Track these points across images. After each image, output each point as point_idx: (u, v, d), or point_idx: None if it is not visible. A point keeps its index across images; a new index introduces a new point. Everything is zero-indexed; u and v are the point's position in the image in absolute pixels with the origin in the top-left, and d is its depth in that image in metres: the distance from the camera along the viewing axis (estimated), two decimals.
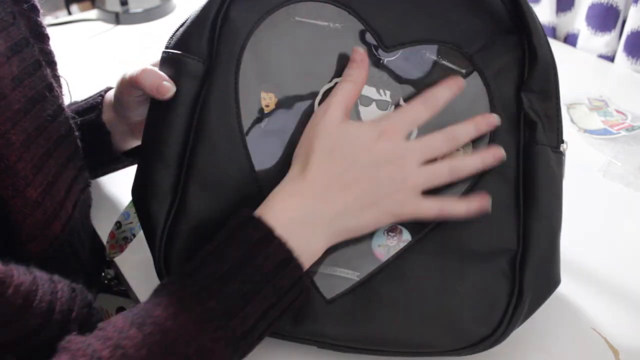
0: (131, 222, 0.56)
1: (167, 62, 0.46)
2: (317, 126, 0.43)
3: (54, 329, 0.39)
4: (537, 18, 0.45)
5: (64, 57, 0.55)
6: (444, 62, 0.46)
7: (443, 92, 0.45)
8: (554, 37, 0.99)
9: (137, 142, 0.61)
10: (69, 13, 1.28)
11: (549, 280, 0.45)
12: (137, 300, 0.55)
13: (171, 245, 0.44)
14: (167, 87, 0.45)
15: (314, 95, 0.46)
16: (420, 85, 0.46)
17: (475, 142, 0.46)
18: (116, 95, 0.55)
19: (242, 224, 0.40)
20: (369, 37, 0.46)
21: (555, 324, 0.50)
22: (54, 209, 0.46)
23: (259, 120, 0.45)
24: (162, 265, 0.45)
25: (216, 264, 0.39)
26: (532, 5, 0.48)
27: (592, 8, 0.90)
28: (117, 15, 1.09)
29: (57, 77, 0.52)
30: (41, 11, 0.50)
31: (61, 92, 0.52)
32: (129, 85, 0.51)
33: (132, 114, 0.55)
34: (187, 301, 0.37)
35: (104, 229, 0.60)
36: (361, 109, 0.46)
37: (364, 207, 0.42)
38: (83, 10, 1.31)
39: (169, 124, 0.45)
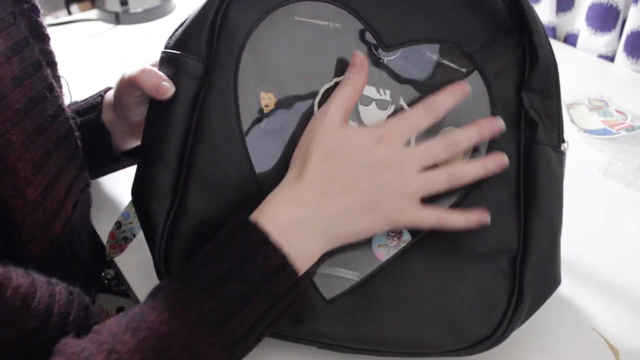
0: (131, 222, 0.56)
1: (166, 62, 0.46)
2: (315, 130, 0.43)
3: (52, 331, 0.39)
4: (537, 17, 0.45)
5: (64, 57, 0.55)
6: (444, 61, 0.46)
7: (446, 99, 0.44)
8: (554, 37, 0.99)
9: (137, 142, 0.61)
10: (69, 13, 1.28)
11: (550, 281, 0.45)
12: (137, 300, 0.55)
13: (171, 245, 0.44)
14: (167, 88, 0.45)
15: (313, 95, 0.46)
16: (421, 85, 0.46)
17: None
18: (116, 95, 0.55)
19: (237, 229, 0.40)
20: (368, 36, 0.46)
21: (555, 324, 0.50)
22: (54, 209, 0.46)
23: (258, 120, 0.45)
24: (162, 265, 0.45)
25: (211, 269, 0.39)
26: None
27: (592, 8, 0.90)
28: (117, 15, 1.09)
29: (57, 77, 0.52)
30: (41, 11, 0.50)
31: (61, 92, 0.52)
32: (128, 86, 0.51)
33: (131, 114, 0.55)
34: (181, 306, 0.37)
35: (104, 229, 0.60)
36: (361, 108, 0.46)
37: (360, 212, 0.42)
38: (83, 10, 1.31)
39: (168, 124, 0.45)
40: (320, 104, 0.45)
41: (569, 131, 0.75)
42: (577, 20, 0.95)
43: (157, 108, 0.46)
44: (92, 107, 0.59)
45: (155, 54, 0.49)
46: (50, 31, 0.51)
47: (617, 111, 0.79)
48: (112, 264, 0.59)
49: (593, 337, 0.49)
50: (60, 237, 0.48)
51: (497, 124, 0.44)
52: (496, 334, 0.43)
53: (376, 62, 0.46)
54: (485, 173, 0.44)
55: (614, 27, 0.89)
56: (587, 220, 0.60)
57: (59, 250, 0.48)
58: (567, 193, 0.46)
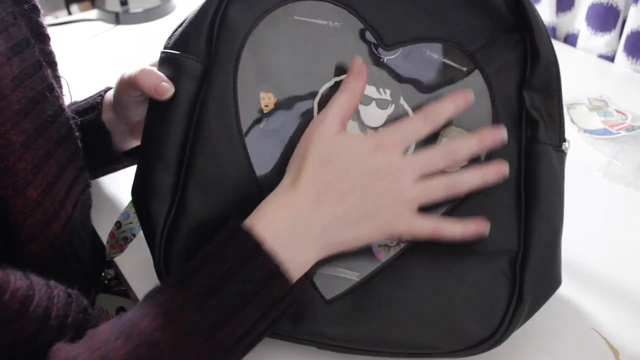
0: (131, 222, 0.56)
1: (166, 62, 0.46)
2: (312, 136, 0.43)
3: (50, 334, 0.39)
4: (539, 16, 0.44)
5: (64, 57, 0.55)
6: (444, 60, 0.46)
7: (447, 107, 0.44)
8: (554, 37, 0.99)
9: (137, 142, 0.61)
10: (69, 13, 1.28)
11: (550, 281, 0.45)
12: (137, 300, 0.55)
13: (171, 245, 0.44)
14: (166, 88, 0.45)
15: (313, 95, 0.46)
16: (421, 84, 0.46)
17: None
18: (115, 96, 0.55)
19: (230, 236, 0.40)
20: (368, 35, 0.46)
21: (555, 324, 0.50)
22: (54, 209, 0.46)
23: (258, 120, 0.45)
24: (161, 265, 0.45)
25: (203, 276, 0.39)
26: None
27: (592, 8, 0.90)
28: (117, 15, 1.09)
29: (57, 78, 0.52)
30: (42, 11, 0.50)
31: (62, 92, 0.52)
32: (127, 86, 0.51)
33: (131, 114, 0.55)
34: (174, 313, 0.37)
35: (104, 229, 0.60)
36: (361, 107, 0.46)
37: (356, 219, 0.42)
38: (83, 10, 1.31)
39: (168, 124, 0.45)
40: (320, 103, 0.45)
41: (569, 131, 0.75)
42: (577, 20, 0.95)
43: (157, 108, 0.46)
44: (92, 107, 0.59)
45: (155, 54, 0.49)
46: (50, 31, 0.51)
47: (617, 111, 0.79)
48: (112, 264, 0.59)
49: (593, 337, 0.49)
50: (60, 237, 0.48)
51: (499, 135, 0.43)
52: (496, 335, 0.43)
53: (376, 61, 0.46)
54: (484, 183, 0.43)
55: (614, 27, 0.89)
56: (587, 220, 0.60)
57: (59, 250, 0.48)
58: (567, 193, 0.46)
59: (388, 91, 0.46)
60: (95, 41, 1.04)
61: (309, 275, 0.42)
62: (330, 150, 0.42)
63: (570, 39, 0.97)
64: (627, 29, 0.86)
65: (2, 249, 0.45)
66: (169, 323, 0.37)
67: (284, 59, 0.46)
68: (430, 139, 0.45)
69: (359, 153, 0.42)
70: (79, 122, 0.53)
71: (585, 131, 0.75)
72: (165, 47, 0.46)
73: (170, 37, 0.46)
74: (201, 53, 0.45)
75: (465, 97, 0.44)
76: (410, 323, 0.43)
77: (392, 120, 0.45)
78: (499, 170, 0.43)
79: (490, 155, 0.45)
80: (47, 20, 0.51)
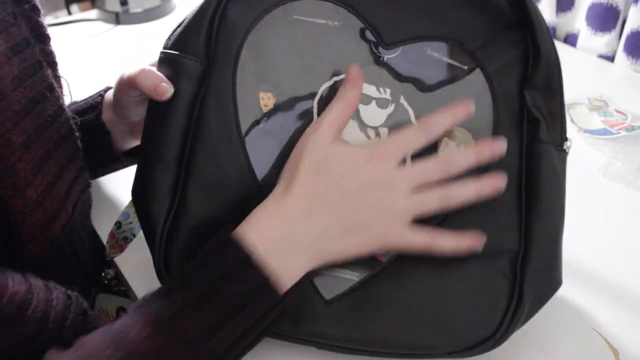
0: (131, 222, 0.56)
1: (165, 62, 0.46)
2: (306, 145, 0.43)
3: (48, 336, 0.39)
4: (540, 14, 0.44)
5: (64, 57, 0.55)
6: (445, 58, 0.45)
7: (445, 119, 0.43)
8: (554, 37, 0.99)
9: (137, 142, 0.61)
10: (69, 13, 1.28)
11: (551, 282, 0.45)
12: (136, 300, 0.55)
13: (171, 245, 0.44)
14: (165, 89, 0.45)
15: (312, 94, 0.45)
16: (422, 83, 0.45)
17: (476, 137, 0.45)
18: (115, 95, 0.55)
19: (222, 246, 0.40)
20: (368, 34, 0.46)
21: (555, 324, 0.50)
22: (54, 209, 0.46)
23: (257, 120, 0.45)
24: (161, 265, 0.45)
25: (193, 285, 0.38)
26: None
27: (592, 8, 0.90)
28: (117, 15, 1.09)
29: (57, 78, 0.52)
30: (42, 11, 0.50)
31: (62, 92, 0.52)
32: (127, 86, 0.51)
33: (131, 114, 0.55)
34: (163, 322, 0.37)
35: (104, 229, 0.60)
36: (361, 107, 0.45)
37: (347, 230, 0.41)
38: (83, 10, 1.31)
39: (167, 125, 0.45)
40: (320, 103, 0.45)
41: (569, 131, 0.75)
42: (577, 20, 0.95)
43: (156, 108, 0.46)
44: (92, 107, 0.59)
45: (155, 54, 0.49)
46: (50, 31, 0.51)
47: (617, 111, 0.79)
48: (112, 264, 0.59)
49: (593, 337, 0.49)
50: (60, 237, 0.48)
51: (498, 148, 0.43)
52: (496, 336, 0.43)
53: (376, 60, 0.46)
54: (478, 197, 0.43)
55: (614, 27, 0.89)
56: (587, 220, 0.60)
57: (59, 250, 0.48)
58: (567, 193, 0.46)
59: (388, 90, 0.46)
60: (95, 41, 1.04)
61: (300, 284, 0.41)
62: (324, 160, 0.42)
63: (570, 39, 0.97)
64: (627, 29, 0.86)
65: (2, 249, 0.45)
66: (158, 332, 0.37)
67: (283, 59, 0.45)
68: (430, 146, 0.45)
69: (353, 163, 0.42)
70: (78, 122, 0.53)
71: (585, 131, 0.75)
72: (164, 48, 0.46)
73: (169, 38, 0.46)
74: (200, 53, 0.45)
75: (465, 108, 0.43)
76: (410, 323, 0.43)
77: (392, 119, 0.45)
78: (495, 185, 0.43)
79: None
80: (47, 20, 0.51)
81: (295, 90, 0.45)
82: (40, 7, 0.50)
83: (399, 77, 0.46)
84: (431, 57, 0.46)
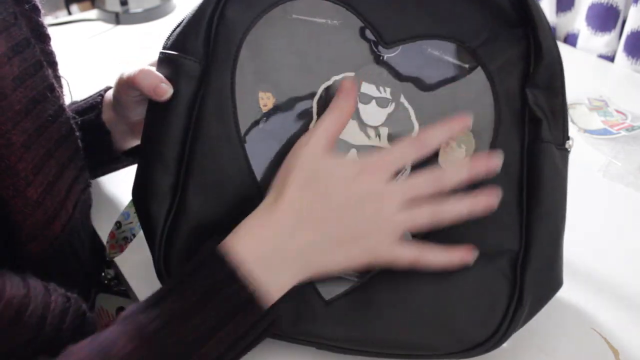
0: (131, 222, 0.56)
1: (164, 62, 0.46)
2: (297, 157, 0.42)
3: (44, 339, 0.39)
4: (542, 11, 0.43)
5: (64, 57, 0.55)
6: (446, 57, 0.45)
7: (439, 134, 0.43)
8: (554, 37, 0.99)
9: (137, 142, 0.61)
10: (69, 13, 1.28)
11: (551, 282, 0.45)
12: (137, 300, 0.55)
13: (171, 245, 0.44)
14: (164, 89, 0.45)
15: (312, 94, 0.45)
16: (422, 82, 0.45)
17: (477, 138, 0.45)
18: (115, 95, 0.55)
19: (208, 259, 0.40)
20: (368, 33, 0.45)
21: (555, 324, 0.50)
22: (54, 209, 0.46)
23: (257, 120, 0.45)
24: (161, 265, 0.45)
25: (179, 299, 0.38)
26: None
27: (592, 8, 0.90)
28: (117, 15, 1.09)
29: (58, 78, 0.52)
30: (42, 11, 0.50)
31: (62, 92, 0.52)
32: (126, 86, 0.51)
33: (131, 114, 0.55)
34: (149, 335, 0.37)
35: (104, 229, 0.60)
36: (360, 106, 0.45)
37: (334, 245, 0.41)
38: (83, 10, 1.31)
39: (167, 125, 0.45)
40: (319, 103, 0.45)
41: (569, 131, 0.75)
42: (577, 20, 0.95)
43: (156, 109, 0.46)
44: (92, 106, 0.59)
45: (155, 54, 0.49)
46: (50, 31, 0.51)
47: (617, 111, 0.79)
48: (112, 264, 0.59)
49: (593, 337, 0.49)
50: (60, 237, 0.48)
51: (493, 164, 0.42)
52: (495, 337, 0.43)
53: (376, 59, 0.45)
54: (470, 214, 0.42)
55: (614, 27, 0.89)
56: (587, 220, 0.60)
57: (59, 250, 0.48)
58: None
59: (388, 89, 0.45)
60: (95, 41, 1.04)
61: (288, 296, 0.41)
62: (314, 173, 0.41)
63: (570, 39, 0.97)
64: (627, 29, 0.86)
65: (2, 249, 0.45)
66: (143, 347, 0.36)
67: (282, 58, 0.45)
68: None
69: (343, 177, 0.41)
70: (79, 122, 0.53)
71: (585, 131, 0.75)
72: (163, 48, 0.46)
73: (168, 38, 0.46)
74: (199, 53, 0.45)
75: (462, 122, 0.43)
76: (409, 324, 0.43)
77: (392, 118, 0.45)
78: (489, 202, 0.42)
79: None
80: (47, 20, 0.51)
81: (294, 90, 0.45)
82: (40, 7, 0.50)
83: (399, 76, 0.45)
84: (432, 55, 0.45)
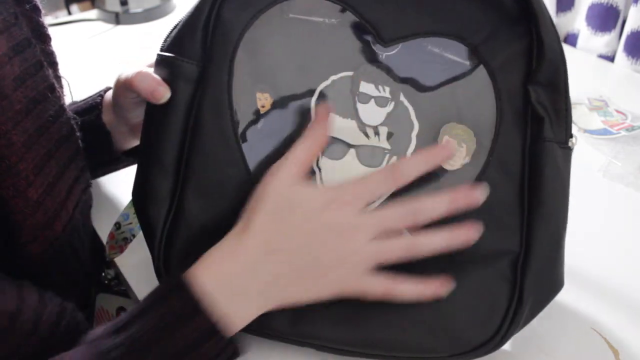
0: (130, 223, 0.56)
1: (162, 65, 0.46)
2: (268, 184, 0.41)
3: (37, 348, 0.39)
4: (544, 6, 0.43)
5: (64, 57, 0.55)
6: (447, 55, 0.44)
7: (418, 166, 0.42)
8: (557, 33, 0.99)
9: (137, 142, 0.60)
10: (69, 13, 1.28)
11: (552, 283, 0.45)
12: (137, 300, 0.55)
13: (170, 247, 0.44)
14: (162, 93, 0.44)
15: (310, 94, 0.45)
16: (422, 81, 0.45)
17: (478, 137, 0.44)
18: (113, 97, 0.55)
19: (172, 289, 0.40)
20: (366, 32, 0.45)
21: (555, 324, 0.50)
22: (54, 209, 0.46)
23: (254, 121, 0.45)
24: (161, 266, 0.45)
25: (143, 327, 0.38)
26: None
27: (592, 8, 0.90)
28: (117, 15, 1.08)
29: (58, 78, 0.52)
30: (42, 12, 0.50)
31: (62, 92, 0.52)
32: (123, 88, 0.50)
33: (130, 116, 0.55)
34: None
35: (104, 229, 0.60)
36: (359, 106, 0.45)
37: (302, 277, 0.40)
38: (83, 10, 1.31)
39: (165, 128, 0.45)
40: (318, 104, 0.45)
41: None
42: (577, 20, 0.95)
43: (154, 112, 0.46)
44: (92, 107, 0.59)
45: (155, 54, 0.49)
46: (50, 31, 0.51)
47: (617, 111, 0.79)
48: (112, 264, 0.59)
49: (593, 337, 0.49)
50: (60, 238, 0.48)
51: (475, 197, 0.41)
52: (495, 339, 0.43)
53: (375, 57, 0.45)
54: (449, 247, 0.41)
55: (614, 27, 0.89)
56: (587, 220, 0.60)
57: (59, 250, 0.48)
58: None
59: (387, 88, 0.45)
60: (95, 41, 1.04)
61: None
62: (283, 203, 0.41)
63: (570, 39, 0.97)
64: (627, 29, 0.86)
65: (2, 249, 0.45)
66: None
67: (279, 59, 0.45)
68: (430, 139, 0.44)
69: (314, 207, 0.40)
70: (79, 122, 0.53)
71: (585, 131, 0.75)
72: (161, 49, 0.46)
73: (165, 39, 0.46)
74: (196, 55, 0.44)
75: (443, 153, 0.42)
76: (409, 326, 0.43)
77: (391, 117, 0.45)
78: (467, 236, 0.41)
79: (493, 151, 0.44)
80: (47, 20, 0.51)
81: (292, 91, 0.45)
82: (41, 7, 0.50)
83: (399, 74, 0.45)
84: (432, 53, 0.45)
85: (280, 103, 0.45)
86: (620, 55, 0.88)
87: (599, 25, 0.90)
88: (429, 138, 0.44)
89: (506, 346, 0.44)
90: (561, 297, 0.48)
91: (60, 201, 0.47)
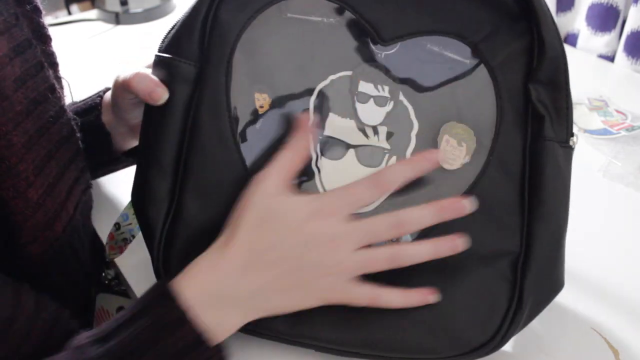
0: (130, 224, 0.56)
1: (159, 66, 0.45)
2: (250, 195, 0.41)
3: (29, 355, 0.39)
4: (545, 4, 0.42)
5: (64, 58, 0.55)
6: (447, 53, 0.44)
7: (404, 173, 0.42)
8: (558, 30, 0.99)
9: (137, 142, 0.60)
10: (69, 13, 1.28)
11: (552, 283, 0.45)
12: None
13: (170, 248, 0.44)
14: (160, 94, 0.44)
15: (309, 94, 0.45)
16: (422, 80, 0.44)
17: (478, 136, 0.44)
18: (112, 98, 0.55)
19: (158, 299, 0.40)
20: (365, 31, 0.45)
21: (555, 324, 0.50)
22: (54, 210, 0.46)
23: (253, 121, 0.45)
24: (160, 267, 0.45)
25: (128, 336, 0.38)
26: None
27: (592, 8, 0.90)
28: (117, 15, 1.09)
29: (59, 79, 0.52)
30: (43, 12, 0.50)
31: (63, 93, 0.52)
32: (121, 89, 0.50)
33: (129, 116, 0.55)
34: None
35: (104, 230, 0.60)
36: (358, 105, 0.45)
37: (286, 288, 0.41)
38: (83, 10, 1.31)
39: (163, 129, 0.44)
40: (316, 104, 0.45)
41: None
42: (577, 20, 0.95)
43: (152, 113, 0.46)
44: (92, 108, 0.59)
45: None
46: (50, 31, 0.51)
47: (617, 111, 0.79)
48: (112, 264, 0.59)
49: (593, 337, 0.49)
50: (60, 239, 0.48)
51: (462, 208, 0.41)
52: (495, 340, 0.43)
53: (374, 57, 0.45)
54: (435, 256, 0.41)
55: (614, 27, 0.89)
56: (587, 221, 0.60)
57: (59, 251, 0.48)
58: None
59: (387, 88, 0.45)
60: (95, 41, 1.04)
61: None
62: (266, 214, 0.41)
63: (570, 39, 0.97)
64: (627, 29, 0.86)
65: (2, 250, 0.45)
66: None
67: (278, 59, 0.45)
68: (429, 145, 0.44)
69: (296, 219, 0.40)
70: (79, 123, 0.53)
71: (585, 131, 0.75)
72: (159, 50, 0.46)
73: (163, 40, 0.46)
74: (194, 56, 0.44)
75: (429, 161, 0.42)
76: (408, 327, 0.43)
77: (391, 117, 0.45)
78: (453, 247, 0.41)
79: (493, 151, 0.44)
80: (47, 20, 0.51)
81: (290, 91, 0.45)
82: (41, 8, 0.50)
83: (398, 74, 0.45)
84: (431, 52, 0.44)
85: (278, 103, 0.45)
86: (620, 55, 0.88)
87: (599, 25, 0.90)
88: (429, 137, 0.44)
89: (506, 346, 0.44)
90: (561, 297, 0.48)
91: (60, 202, 0.47)
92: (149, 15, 1.10)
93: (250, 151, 0.45)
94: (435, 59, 0.44)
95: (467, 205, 0.41)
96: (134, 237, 0.56)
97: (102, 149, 0.58)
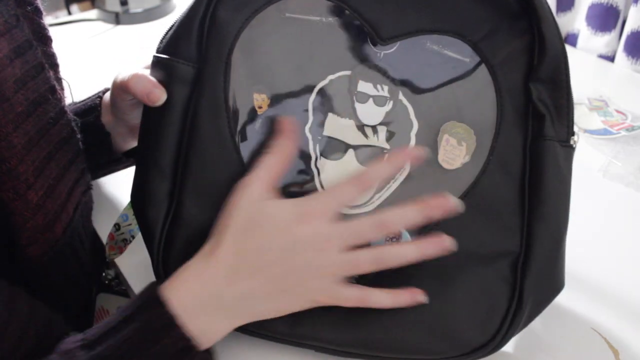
0: (130, 224, 0.56)
1: (158, 67, 0.45)
2: (235, 201, 0.41)
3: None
4: (546, 3, 0.42)
5: (64, 58, 0.55)
6: (446, 52, 0.44)
7: (382, 170, 0.42)
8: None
9: (137, 142, 0.60)
10: (69, 13, 1.28)
11: (552, 284, 0.45)
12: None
13: (169, 247, 0.44)
14: (158, 95, 0.44)
15: (308, 94, 0.45)
16: (421, 80, 0.44)
17: (478, 135, 0.44)
18: (111, 99, 0.55)
19: (147, 305, 0.40)
20: (364, 30, 0.45)
21: (555, 324, 0.50)
22: (55, 212, 0.46)
23: (252, 122, 0.45)
24: (160, 267, 0.45)
25: (117, 341, 0.38)
26: None
27: (592, 8, 0.90)
28: (117, 15, 1.09)
29: (59, 80, 0.52)
30: (44, 14, 0.50)
31: (63, 94, 0.51)
32: (120, 90, 0.50)
33: (128, 117, 0.55)
34: None
35: (104, 230, 0.60)
36: (357, 105, 0.45)
37: (273, 293, 0.41)
38: (83, 10, 1.31)
39: (162, 131, 0.44)
40: (315, 104, 0.45)
41: None
42: (577, 20, 0.95)
43: (151, 114, 0.45)
44: (91, 108, 0.59)
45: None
46: (50, 32, 0.51)
47: (617, 111, 0.79)
48: (112, 265, 0.59)
49: (593, 337, 0.49)
50: (61, 240, 0.48)
51: (449, 207, 0.40)
52: (495, 340, 0.43)
53: (373, 56, 0.44)
54: (421, 257, 0.41)
55: (614, 27, 0.89)
56: (587, 221, 0.60)
57: (60, 252, 0.48)
58: None
59: (386, 87, 0.44)
60: (95, 41, 1.04)
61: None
62: (251, 219, 0.41)
63: (570, 39, 0.97)
64: (627, 29, 0.86)
65: (2, 251, 0.45)
66: None
67: (276, 59, 0.45)
68: (429, 145, 0.44)
69: (282, 223, 0.40)
70: (79, 124, 0.53)
71: (585, 131, 0.75)
72: (157, 51, 0.46)
73: (161, 41, 0.46)
74: (192, 56, 0.44)
75: (410, 155, 0.42)
76: (408, 328, 0.43)
77: (390, 117, 0.44)
78: (439, 247, 0.41)
79: (494, 150, 0.44)
80: (47, 20, 0.50)
81: (290, 91, 0.45)
82: (42, 9, 0.49)
83: (397, 73, 0.44)
84: (431, 50, 0.44)
85: (278, 104, 0.45)
86: (620, 55, 0.88)
87: (599, 25, 0.90)
88: (429, 137, 0.44)
89: (506, 346, 0.44)
90: (561, 297, 0.48)
91: (60, 203, 0.47)
92: (149, 15, 1.10)
93: (248, 150, 0.44)
94: (434, 58, 0.44)
95: (453, 203, 0.40)
96: (133, 237, 0.56)
97: (102, 150, 0.58)
